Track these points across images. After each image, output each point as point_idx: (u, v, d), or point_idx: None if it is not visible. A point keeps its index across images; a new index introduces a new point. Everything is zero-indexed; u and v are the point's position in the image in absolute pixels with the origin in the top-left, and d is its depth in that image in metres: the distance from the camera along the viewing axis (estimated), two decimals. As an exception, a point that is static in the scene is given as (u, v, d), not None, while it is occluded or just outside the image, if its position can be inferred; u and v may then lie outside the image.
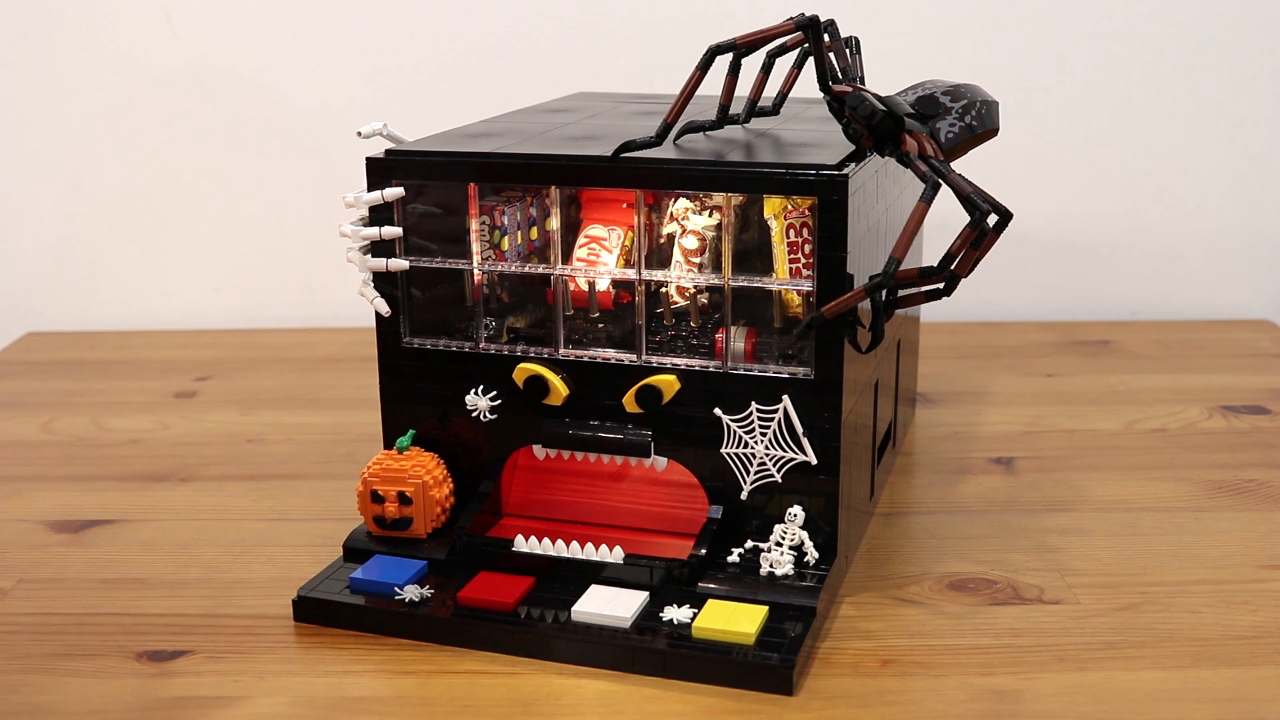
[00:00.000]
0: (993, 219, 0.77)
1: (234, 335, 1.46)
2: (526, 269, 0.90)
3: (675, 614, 0.81)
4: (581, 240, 0.93)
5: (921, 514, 1.00)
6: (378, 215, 0.89)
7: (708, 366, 0.86)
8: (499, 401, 0.90)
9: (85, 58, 1.44)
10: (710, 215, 0.90)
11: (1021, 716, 0.74)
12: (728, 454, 0.86)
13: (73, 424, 1.20)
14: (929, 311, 1.21)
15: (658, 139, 0.85)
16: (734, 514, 0.87)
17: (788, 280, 0.85)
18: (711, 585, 0.83)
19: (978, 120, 0.84)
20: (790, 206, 0.85)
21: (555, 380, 0.88)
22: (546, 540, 0.86)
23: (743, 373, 0.85)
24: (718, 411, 0.85)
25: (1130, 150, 1.47)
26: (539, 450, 0.90)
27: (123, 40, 1.43)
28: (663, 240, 0.92)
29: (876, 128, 0.81)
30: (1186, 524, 0.98)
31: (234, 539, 0.96)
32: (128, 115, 1.45)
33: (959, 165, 0.85)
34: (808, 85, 0.91)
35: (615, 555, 0.84)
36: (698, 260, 0.90)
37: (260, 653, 0.81)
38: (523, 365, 0.88)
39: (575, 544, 0.85)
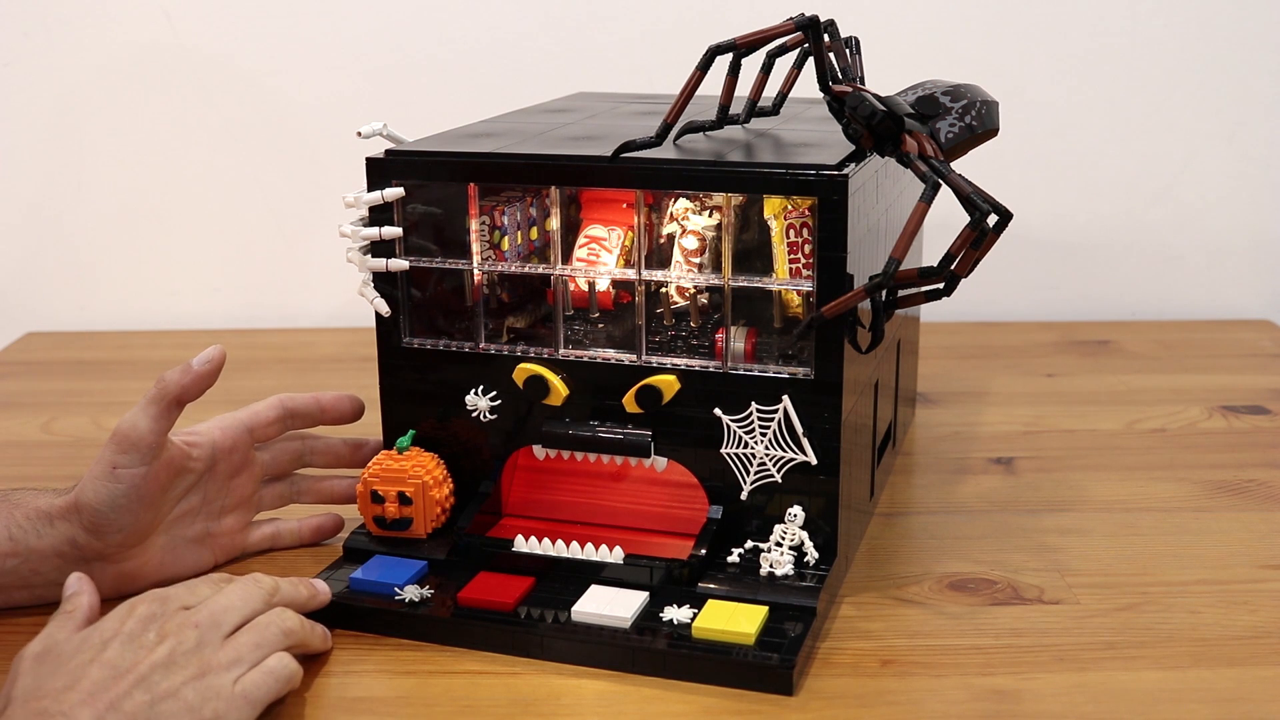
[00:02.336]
0: (993, 219, 0.77)
1: (234, 335, 1.46)
2: (526, 269, 0.90)
3: (675, 614, 0.81)
4: (581, 240, 0.93)
5: (921, 514, 1.00)
6: (378, 215, 0.89)
7: (708, 366, 0.86)
8: (499, 401, 0.90)
9: (85, 57, 1.44)
10: (710, 215, 0.90)
11: (1021, 716, 0.75)
12: (728, 454, 0.86)
13: (73, 424, 1.20)
14: (929, 311, 1.21)
15: (658, 139, 0.85)
16: (734, 514, 0.87)
17: (788, 280, 0.85)
18: (711, 585, 0.83)
19: (978, 120, 0.84)
20: (790, 206, 0.85)
21: (555, 380, 0.88)
22: (546, 540, 0.86)
23: (743, 373, 0.85)
24: (718, 411, 0.85)
25: (1130, 150, 1.47)
26: (539, 450, 0.90)
27: (123, 40, 1.43)
28: (663, 240, 0.92)
29: (876, 128, 0.81)
30: (1186, 524, 0.98)
31: (234, 539, 0.96)
32: (127, 115, 1.45)
33: (959, 165, 0.85)
34: (808, 85, 0.90)
35: (615, 555, 0.84)
36: (698, 260, 0.90)
37: (260, 653, 0.81)
38: (523, 365, 0.88)
39: (575, 544, 0.85)
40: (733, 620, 0.79)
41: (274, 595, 0.78)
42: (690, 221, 0.90)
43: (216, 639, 0.73)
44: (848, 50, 0.89)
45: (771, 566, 0.84)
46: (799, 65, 0.95)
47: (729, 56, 0.85)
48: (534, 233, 0.94)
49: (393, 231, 0.88)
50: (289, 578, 0.82)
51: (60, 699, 0.67)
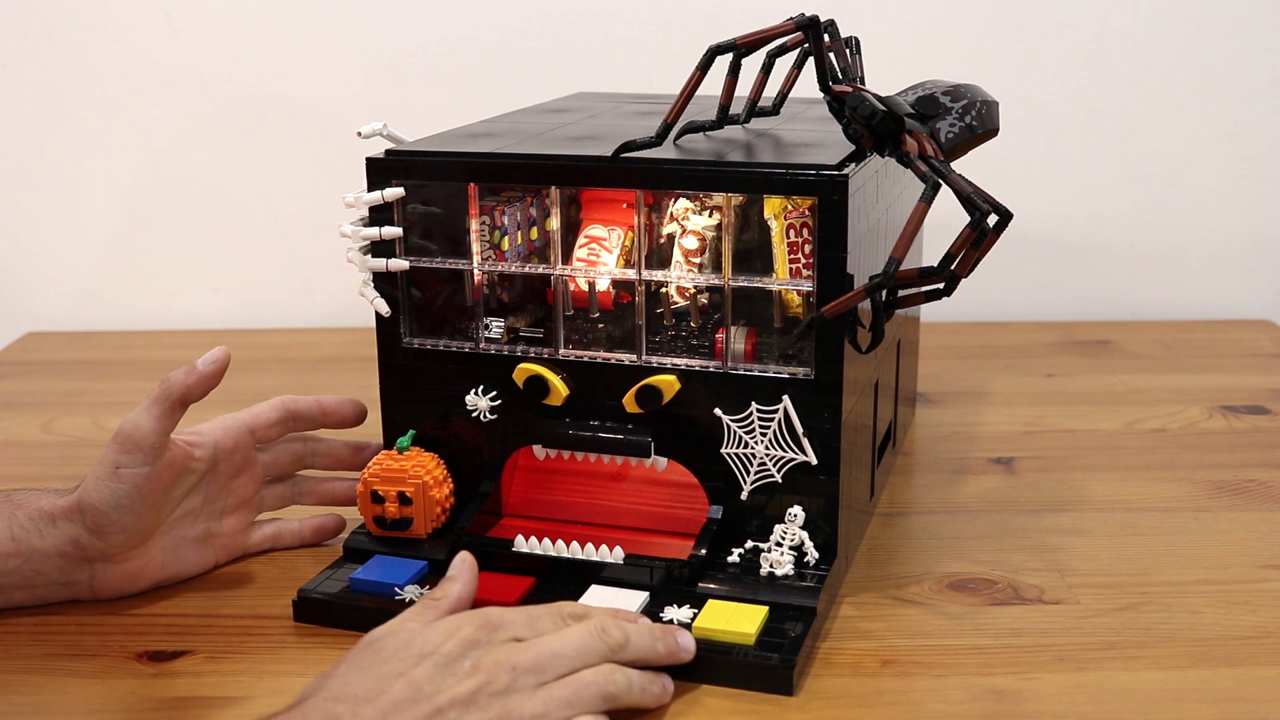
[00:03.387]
0: (993, 219, 0.77)
1: (234, 335, 1.46)
2: (526, 269, 0.90)
3: (675, 614, 0.81)
4: (581, 240, 0.93)
5: (921, 514, 1.00)
6: (378, 215, 0.89)
7: (708, 366, 0.86)
8: (499, 401, 0.90)
9: (85, 57, 1.44)
10: (710, 215, 0.90)
11: (1021, 716, 0.75)
12: (728, 454, 0.86)
13: (73, 424, 1.20)
14: (929, 311, 1.21)
15: (658, 139, 0.85)
16: (734, 514, 0.87)
17: (788, 280, 0.85)
18: (711, 585, 0.83)
19: (978, 120, 0.84)
20: (790, 206, 0.85)
21: (555, 380, 0.88)
22: (546, 540, 0.86)
23: (743, 373, 0.85)
24: (718, 411, 0.85)
25: (1130, 150, 1.47)
26: (539, 450, 0.90)
27: (123, 40, 1.43)
28: (663, 240, 0.92)
29: (876, 128, 0.81)
30: (1186, 524, 0.98)
31: (234, 539, 0.96)
32: (127, 115, 1.45)
33: (959, 165, 0.85)
34: (808, 85, 0.90)
35: (615, 555, 0.84)
36: (698, 260, 0.90)
37: (260, 653, 0.81)
38: (523, 365, 0.88)
39: (575, 544, 0.85)
40: (733, 620, 0.79)
41: (618, 653, 0.72)
42: (690, 221, 0.90)
43: (530, 686, 0.68)
44: (848, 50, 0.89)
45: (771, 566, 0.84)
46: (799, 65, 0.95)
47: (729, 56, 0.85)
48: (534, 233, 0.94)
49: (393, 231, 0.88)
50: (649, 626, 0.75)
51: (356, 710, 0.65)
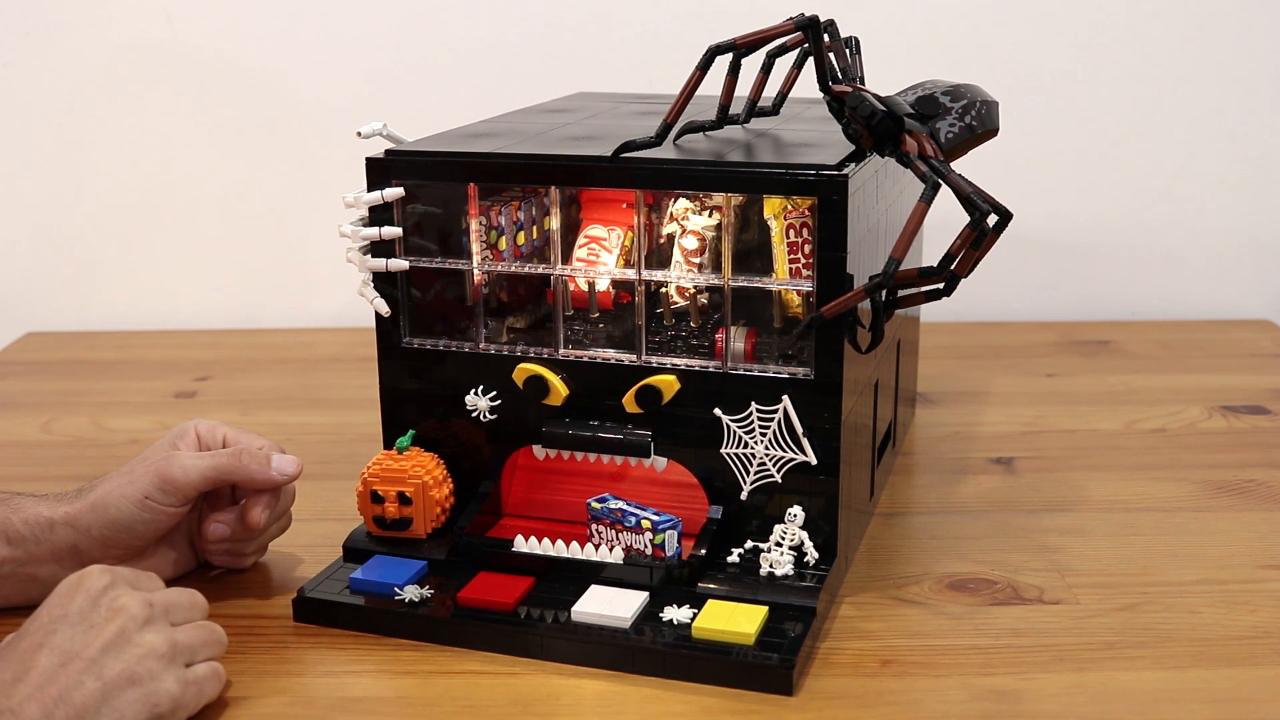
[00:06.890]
0: (993, 219, 0.77)
1: (234, 335, 1.46)
2: (526, 269, 0.90)
3: (675, 614, 0.81)
4: (581, 240, 0.93)
5: (921, 514, 1.00)
6: (378, 215, 0.89)
7: (708, 366, 0.86)
8: (499, 401, 0.90)
9: (86, 57, 1.44)
10: (710, 215, 0.90)
11: (1021, 716, 0.75)
12: (728, 454, 0.86)
13: (73, 424, 1.20)
14: (929, 311, 1.21)
15: (658, 139, 0.85)
16: (734, 514, 0.87)
17: (788, 280, 0.85)
18: (711, 585, 0.83)
19: (978, 120, 0.84)
20: (790, 206, 0.85)
21: (555, 380, 0.88)
22: (546, 540, 0.86)
23: (743, 373, 0.85)
24: (718, 411, 0.85)
25: (1130, 150, 1.47)
26: (539, 450, 0.90)
27: (123, 40, 1.43)
28: (663, 240, 0.92)
29: (876, 128, 0.81)
30: (1186, 524, 0.98)
31: (234, 539, 0.96)
32: (128, 115, 1.45)
33: (959, 165, 0.85)
34: (808, 85, 0.90)
35: (615, 555, 0.84)
36: (698, 260, 0.90)
37: (260, 653, 0.81)
38: (523, 365, 0.88)
39: (575, 544, 0.85)
40: (733, 620, 0.79)
41: (205, 611, 0.78)
42: (690, 221, 0.90)
43: (165, 622, 0.72)
44: (848, 50, 0.89)
45: (771, 566, 0.84)
46: (799, 65, 0.95)
47: (729, 56, 0.85)
48: (535, 232, 0.94)
49: (393, 231, 0.88)
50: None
51: (10, 693, 0.65)
